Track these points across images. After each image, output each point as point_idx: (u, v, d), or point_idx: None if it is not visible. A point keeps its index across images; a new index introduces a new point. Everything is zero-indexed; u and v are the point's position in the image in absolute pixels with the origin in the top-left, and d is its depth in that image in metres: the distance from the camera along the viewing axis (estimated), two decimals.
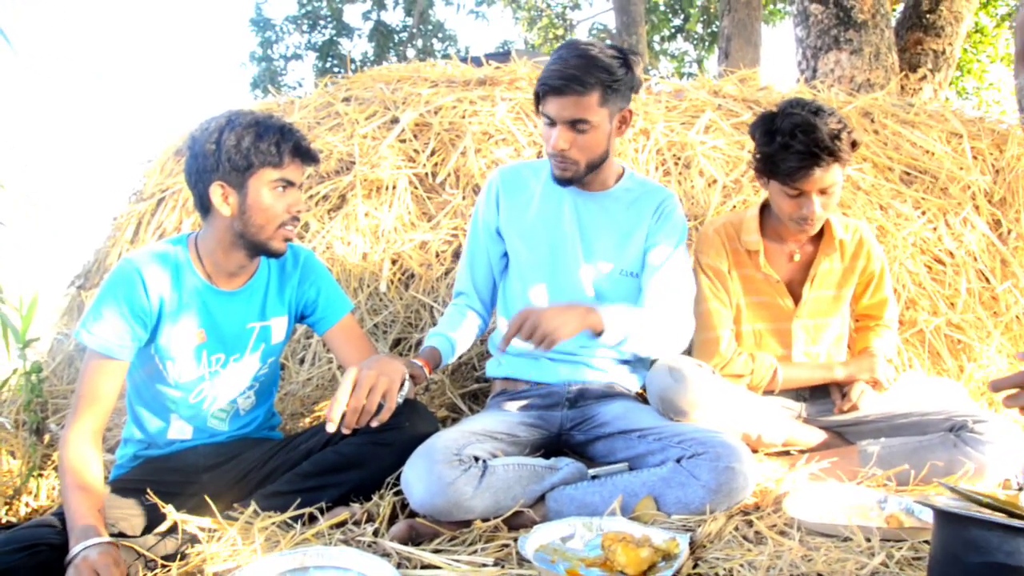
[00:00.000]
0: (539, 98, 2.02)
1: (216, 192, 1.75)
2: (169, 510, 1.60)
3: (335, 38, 13.41)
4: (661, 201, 2.20)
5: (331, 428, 1.67)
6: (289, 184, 1.79)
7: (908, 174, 3.19)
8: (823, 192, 2.01)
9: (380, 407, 1.75)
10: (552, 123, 2.00)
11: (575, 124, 1.98)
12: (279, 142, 1.75)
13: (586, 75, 1.93)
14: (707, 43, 14.46)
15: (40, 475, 2.22)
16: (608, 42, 2.09)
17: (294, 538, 1.63)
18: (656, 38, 14.50)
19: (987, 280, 2.96)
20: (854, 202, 2.96)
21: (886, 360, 2.20)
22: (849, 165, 2.03)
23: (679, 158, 3.08)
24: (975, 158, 3.25)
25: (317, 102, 3.49)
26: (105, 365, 1.73)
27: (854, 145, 1.99)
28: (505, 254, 2.28)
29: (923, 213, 3.04)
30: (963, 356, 2.75)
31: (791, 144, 1.95)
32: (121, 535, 1.64)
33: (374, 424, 1.73)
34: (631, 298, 2.17)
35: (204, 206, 1.80)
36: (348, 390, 1.69)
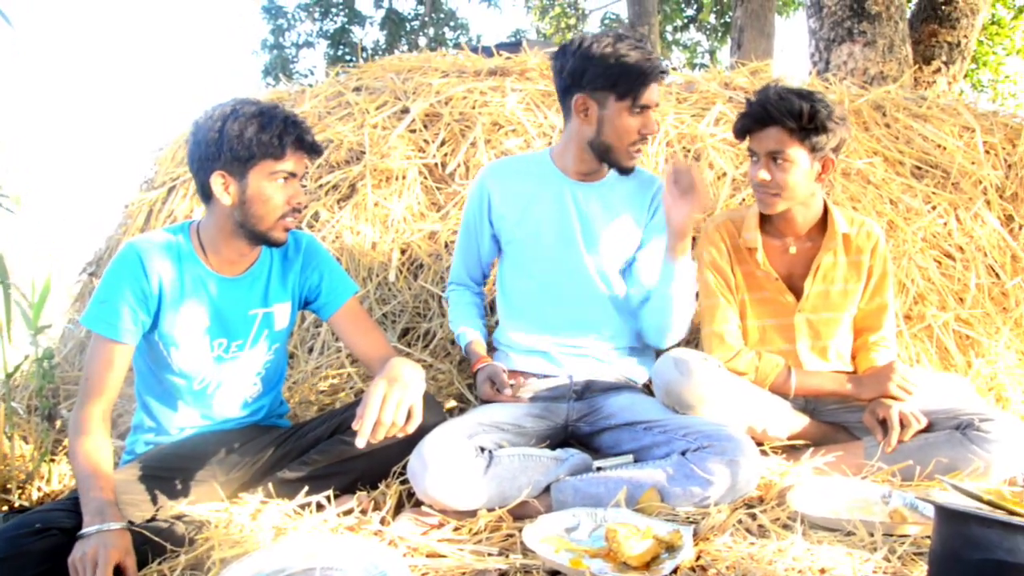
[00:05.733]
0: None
1: (217, 181, 1.75)
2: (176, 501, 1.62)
3: (347, 26, 13.36)
4: (657, 191, 2.27)
5: (361, 443, 1.61)
6: (291, 176, 1.78)
7: (919, 168, 3.18)
8: (773, 159, 2.05)
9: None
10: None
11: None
12: (282, 134, 1.73)
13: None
14: (720, 34, 14.36)
15: (52, 460, 2.25)
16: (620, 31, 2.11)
17: (301, 526, 1.64)
18: (668, 28, 14.41)
19: (997, 275, 2.94)
20: (864, 196, 2.95)
21: (901, 370, 2.08)
22: (808, 145, 2.01)
23: (689, 150, 3.08)
24: (987, 152, 3.23)
25: (328, 91, 3.50)
26: (110, 349, 1.75)
27: (811, 119, 2.00)
28: (498, 245, 2.33)
29: (933, 208, 3.02)
30: (971, 352, 2.74)
31: (748, 103, 2.10)
32: (130, 522, 1.66)
33: (400, 436, 1.70)
34: (628, 279, 2.27)
35: (206, 194, 1.80)
36: (377, 405, 1.64)
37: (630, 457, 1.92)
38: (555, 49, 2.19)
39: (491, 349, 2.34)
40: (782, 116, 2.01)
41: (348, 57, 12.94)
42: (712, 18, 14.17)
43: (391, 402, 1.63)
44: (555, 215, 2.20)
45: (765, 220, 2.21)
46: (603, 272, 2.21)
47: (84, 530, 1.50)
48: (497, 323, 2.39)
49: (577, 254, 2.19)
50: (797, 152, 2.03)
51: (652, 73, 2.03)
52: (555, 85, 2.18)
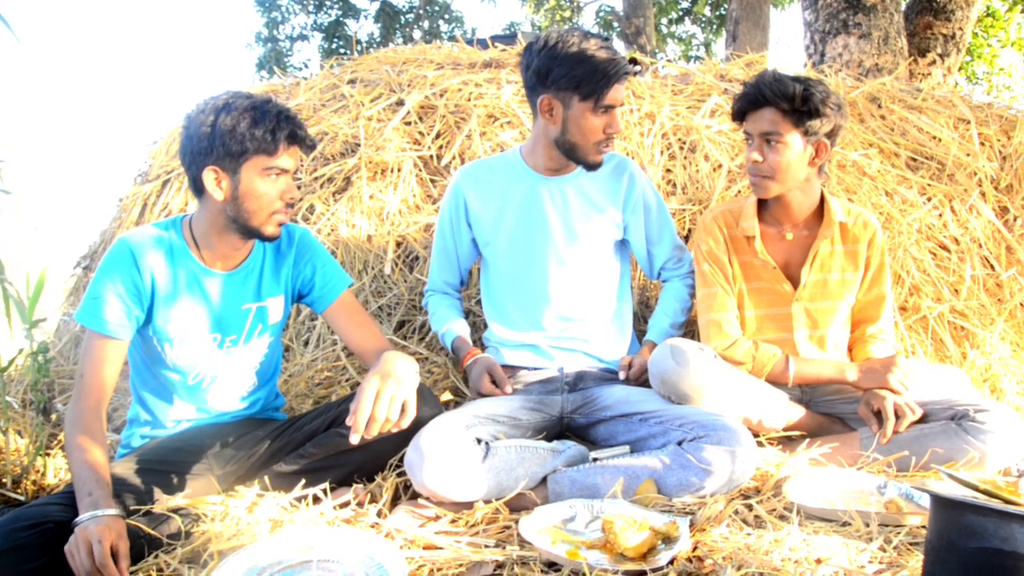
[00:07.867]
0: None
1: (209, 176, 1.73)
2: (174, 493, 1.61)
3: (341, 19, 13.33)
4: (626, 170, 2.29)
5: (355, 439, 1.61)
6: (284, 171, 1.77)
7: (914, 160, 3.18)
8: (767, 140, 2.07)
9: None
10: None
11: None
12: (275, 129, 1.71)
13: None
14: (715, 26, 14.36)
15: (47, 454, 2.25)
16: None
17: (298, 518, 1.64)
18: (663, 20, 14.40)
19: (992, 267, 2.95)
20: (859, 187, 2.95)
21: (903, 364, 2.09)
22: (801, 128, 2.03)
23: (684, 142, 3.08)
24: (982, 144, 3.23)
25: (323, 84, 3.49)
26: (105, 345, 1.74)
27: (804, 101, 2.02)
28: (477, 248, 2.35)
29: (929, 199, 3.03)
30: (966, 343, 2.75)
31: (744, 85, 2.14)
32: (128, 513, 1.65)
33: (394, 431, 1.69)
34: (615, 259, 2.31)
35: (198, 188, 1.78)
36: (370, 401, 1.63)
37: (627, 448, 1.93)
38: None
39: (481, 348, 2.34)
40: (776, 97, 2.03)
41: (343, 50, 12.91)
42: (707, 10, 14.17)
43: (384, 398, 1.62)
44: (531, 212, 2.22)
45: (763, 209, 2.22)
46: (585, 262, 2.22)
47: (79, 518, 1.50)
48: (481, 326, 2.41)
49: (557, 248, 2.21)
50: (790, 134, 2.04)
51: (616, 74, 2.02)
52: (523, 82, 2.18)
